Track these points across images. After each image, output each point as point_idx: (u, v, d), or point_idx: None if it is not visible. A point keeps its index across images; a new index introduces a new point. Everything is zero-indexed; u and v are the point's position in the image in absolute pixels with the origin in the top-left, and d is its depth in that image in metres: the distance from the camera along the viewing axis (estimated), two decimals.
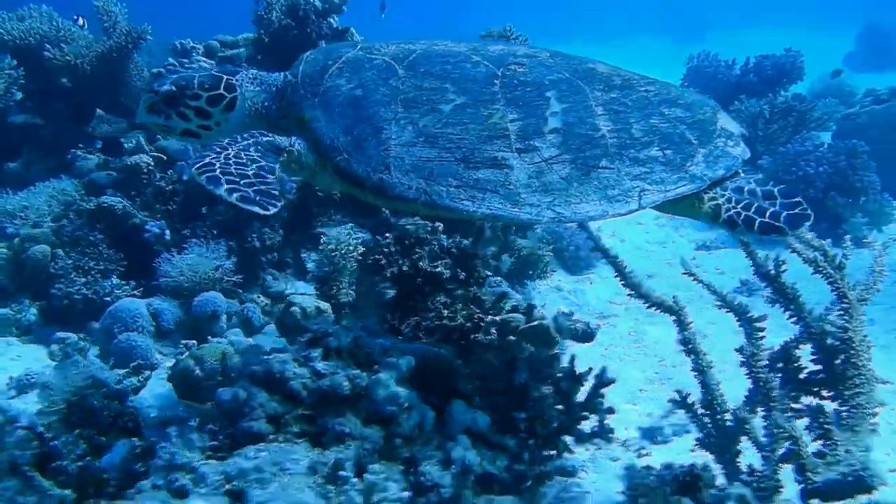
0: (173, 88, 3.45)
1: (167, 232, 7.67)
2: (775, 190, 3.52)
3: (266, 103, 3.60)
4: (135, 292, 7.17)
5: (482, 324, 4.75)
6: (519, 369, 4.08)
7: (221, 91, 3.50)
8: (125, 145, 9.52)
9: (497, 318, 4.87)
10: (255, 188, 2.88)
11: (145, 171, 8.19)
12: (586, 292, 8.90)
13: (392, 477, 3.08)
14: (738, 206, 3.42)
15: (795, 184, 10.45)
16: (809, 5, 42.49)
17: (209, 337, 6.03)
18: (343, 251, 7.05)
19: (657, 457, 5.28)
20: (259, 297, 7.43)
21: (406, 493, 2.98)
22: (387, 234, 5.32)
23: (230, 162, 2.99)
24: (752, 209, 3.41)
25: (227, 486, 2.79)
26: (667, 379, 6.78)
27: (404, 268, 5.12)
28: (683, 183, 3.24)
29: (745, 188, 3.51)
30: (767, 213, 3.38)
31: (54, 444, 3.13)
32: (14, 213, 8.46)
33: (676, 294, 4.72)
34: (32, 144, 10.27)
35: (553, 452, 3.91)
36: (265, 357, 3.48)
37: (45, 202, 8.69)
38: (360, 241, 7.16)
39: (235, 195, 2.81)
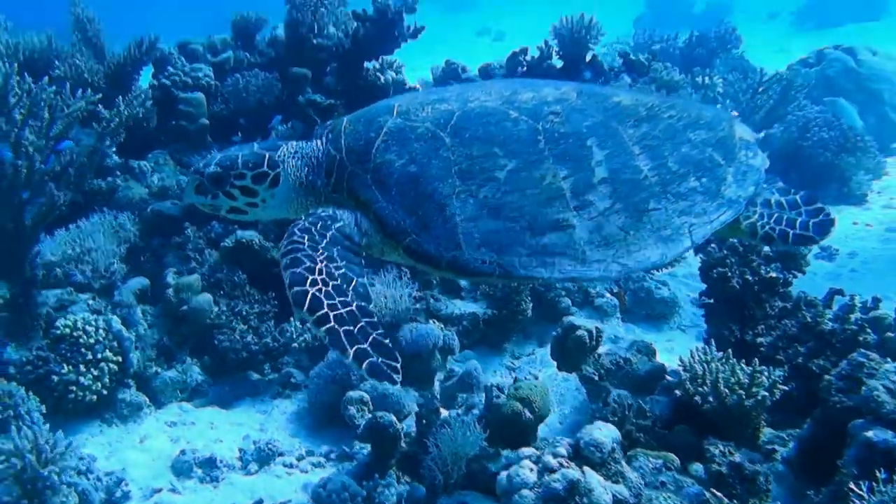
0: (219, 170, 3.45)
1: None
2: (797, 198, 3.73)
3: (310, 177, 3.57)
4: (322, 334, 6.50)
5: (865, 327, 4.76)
6: None
7: (265, 169, 3.49)
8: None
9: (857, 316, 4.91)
10: (374, 345, 2.86)
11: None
12: None
13: None
14: (771, 221, 3.61)
15: (813, 148, 11.12)
16: None
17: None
18: None
19: None
20: (433, 321, 6.97)
21: None
22: (711, 244, 5.18)
23: (329, 290, 2.97)
24: (784, 222, 3.61)
25: None
26: None
27: (747, 276, 5.02)
28: (723, 210, 3.33)
29: (772, 200, 3.72)
30: (798, 224, 3.60)
31: None
32: (80, 258, 7.43)
33: None
34: None
35: None
36: None
37: (107, 241, 7.70)
38: None
39: (366, 366, 2.79)
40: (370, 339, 2.86)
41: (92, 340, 5.89)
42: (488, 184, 3.22)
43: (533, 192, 3.21)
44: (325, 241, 3.17)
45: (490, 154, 3.28)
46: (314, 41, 9.34)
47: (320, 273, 3.02)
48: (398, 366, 2.84)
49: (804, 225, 3.59)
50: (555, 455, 3.29)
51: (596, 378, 5.55)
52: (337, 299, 2.94)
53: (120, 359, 5.98)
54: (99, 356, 5.88)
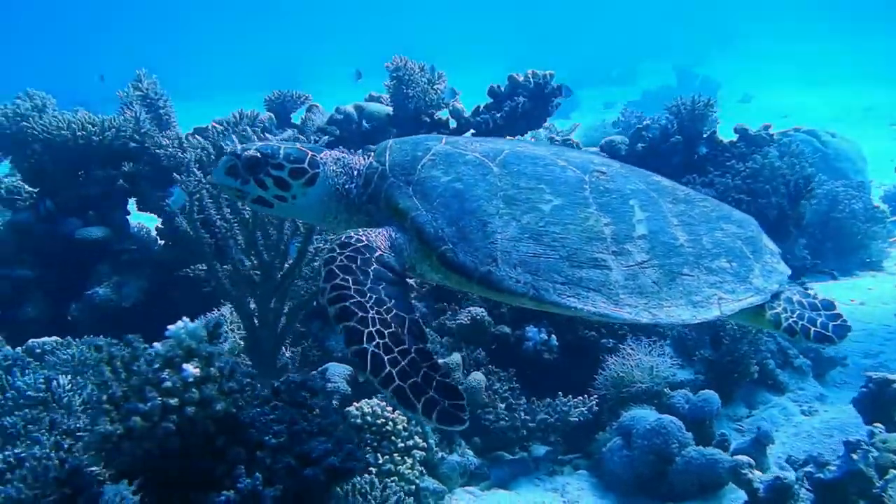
0: (258, 155, 3.45)
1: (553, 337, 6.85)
2: (817, 301, 3.93)
3: (347, 186, 3.60)
4: (594, 405, 6.32)
5: None
6: None
7: (305, 166, 3.51)
8: None
9: None
10: (439, 389, 2.86)
11: None
12: None
13: None
14: (794, 316, 3.76)
15: (846, 219, 11.99)
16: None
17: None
18: None
19: None
20: (666, 389, 6.93)
21: None
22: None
23: (387, 341, 2.92)
24: (806, 319, 3.77)
25: None
26: None
27: None
28: (751, 294, 3.52)
29: (795, 299, 3.86)
30: (818, 324, 3.78)
31: None
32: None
33: None
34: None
35: None
36: None
37: None
38: None
39: (435, 415, 2.82)
40: (434, 384, 2.83)
41: (400, 427, 5.46)
42: (533, 212, 3.27)
43: (575, 228, 3.27)
44: (369, 281, 3.07)
45: (536, 189, 3.35)
46: (435, 117, 9.25)
47: (374, 324, 2.92)
48: (464, 403, 2.83)
49: (825, 325, 3.75)
50: None
51: None
52: (396, 351, 2.87)
53: (426, 444, 5.56)
54: (410, 443, 5.44)
